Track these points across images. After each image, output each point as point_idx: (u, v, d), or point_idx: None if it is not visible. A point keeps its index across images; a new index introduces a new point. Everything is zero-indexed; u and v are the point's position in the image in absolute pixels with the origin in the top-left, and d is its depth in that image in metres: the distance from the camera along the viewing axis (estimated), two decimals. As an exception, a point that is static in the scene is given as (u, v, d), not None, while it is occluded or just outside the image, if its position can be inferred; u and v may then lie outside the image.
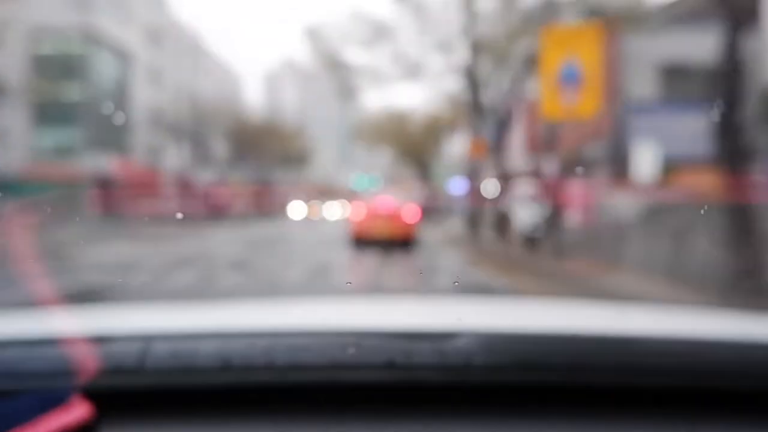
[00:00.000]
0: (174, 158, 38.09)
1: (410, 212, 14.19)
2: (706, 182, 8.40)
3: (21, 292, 1.08)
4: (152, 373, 0.88)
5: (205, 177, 36.96)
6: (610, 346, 0.93)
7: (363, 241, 12.91)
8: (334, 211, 28.02)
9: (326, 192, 46.70)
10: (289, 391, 0.90)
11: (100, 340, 0.90)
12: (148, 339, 0.92)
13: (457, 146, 42.63)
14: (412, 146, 36.89)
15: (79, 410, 0.81)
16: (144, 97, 37.51)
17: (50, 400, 0.80)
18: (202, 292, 5.55)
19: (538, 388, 0.90)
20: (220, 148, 40.76)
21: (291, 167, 48.89)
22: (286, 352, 0.89)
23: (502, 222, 15.82)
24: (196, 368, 0.88)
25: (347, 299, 1.76)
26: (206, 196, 31.99)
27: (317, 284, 6.19)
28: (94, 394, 0.84)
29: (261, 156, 40.91)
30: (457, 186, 43.29)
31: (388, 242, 12.74)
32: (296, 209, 23.22)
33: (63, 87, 31.56)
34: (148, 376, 0.88)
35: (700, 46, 9.78)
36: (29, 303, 1.06)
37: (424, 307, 1.52)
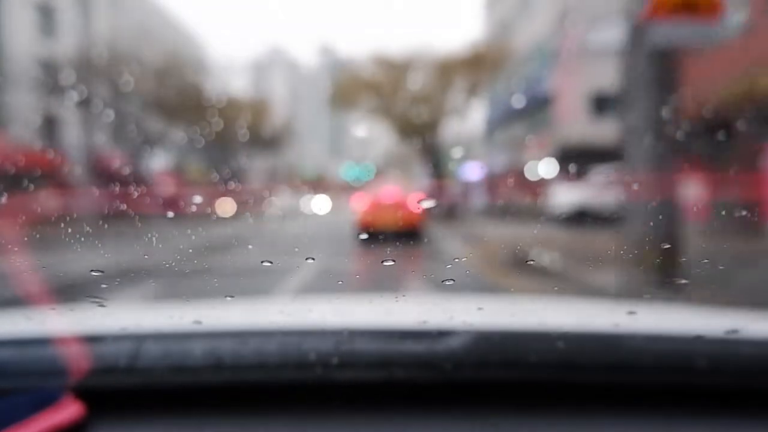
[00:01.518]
0: (76, 135, 29.41)
1: (417, 201, 14.24)
2: None
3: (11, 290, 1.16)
4: (143, 373, 0.93)
5: (117, 160, 29.53)
6: (602, 343, 0.99)
7: (369, 231, 12.17)
8: (317, 204, 26.29)
9: (309, 184, 45.69)
10: (280, 389, 0.95)
11: (91, 340, 0.95)
12: (139, 338, 0.96)
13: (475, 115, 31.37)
14: (414, 111, 28.27)
15: (70, 409, 0.85)
16: (25, 42, 29.12)
17: (42, 399, 0.84)
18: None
19: (530, 386, 0.96)
20: (156, 123, 33.81)
21: (265, 152, 44.56)
22: (278, 350, 0.94)
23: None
24: (187, 367, 0.93)
25: (340, 297, 1.74)
26: (129, 191, 22.27)
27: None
28: (85, 393, 0.89)
29: (224, 137, 34.35)
30: (473, 172, 37.82)
31: (395, 233, 11.96)
32: (222, 207, 17.64)
33: None
34: (139, 376, 0.93)
35: None
36: (20, 302, 1.11)
37: (416, 305, 1.59)
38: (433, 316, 1.17)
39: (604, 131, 23.22)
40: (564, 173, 21.56)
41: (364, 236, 11.80)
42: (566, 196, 18.35)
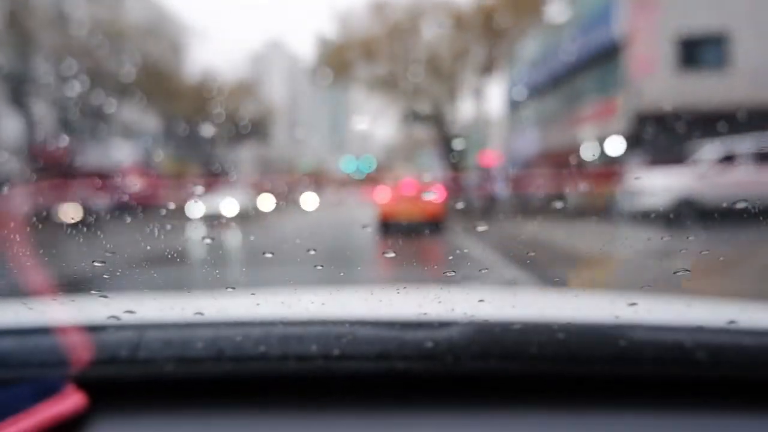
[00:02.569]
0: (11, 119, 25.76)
1: (436, 192, 15.26)
2: None
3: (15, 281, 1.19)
4: (145, 363, 0.96)
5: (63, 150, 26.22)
6: (603, 334, 1.02)
7: (390, 222, 12.87)
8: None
9: (308, 176, 42.75)
10: (281, 380, 0.99)
11: (93, 330, 0.98)
12: (140, 329, 1.00)
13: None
14: (425, 83, 23.08)
15: (72, 400, 0.87)
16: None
17: (43, 389, 0.86)
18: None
19: (531, 377, 1.00)
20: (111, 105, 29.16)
21: (251, 142, 41.02)
22: (280, 341, 0.97)
23: None
24: (188, 358, 0.96)
25: (341, 289, 1.80)
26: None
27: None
28: (87, 383, 0.91)
29: (199, 123, 30.63)
30: (497, 159, 32.81)
31: (416, 224, 12.61)
32: (67, 211, 14.58)
33: None
34: (141, 366, 0.96)
35: None
36: (23, 292, 1.14)
37: (417, 297, 1.60)
38: (434, 308, 1.22)
39: (699, 89, 16.86)
40: (642, 152, 15.70)
41: (368, 228, 11.79)
42: (661, 184, 14.15)
